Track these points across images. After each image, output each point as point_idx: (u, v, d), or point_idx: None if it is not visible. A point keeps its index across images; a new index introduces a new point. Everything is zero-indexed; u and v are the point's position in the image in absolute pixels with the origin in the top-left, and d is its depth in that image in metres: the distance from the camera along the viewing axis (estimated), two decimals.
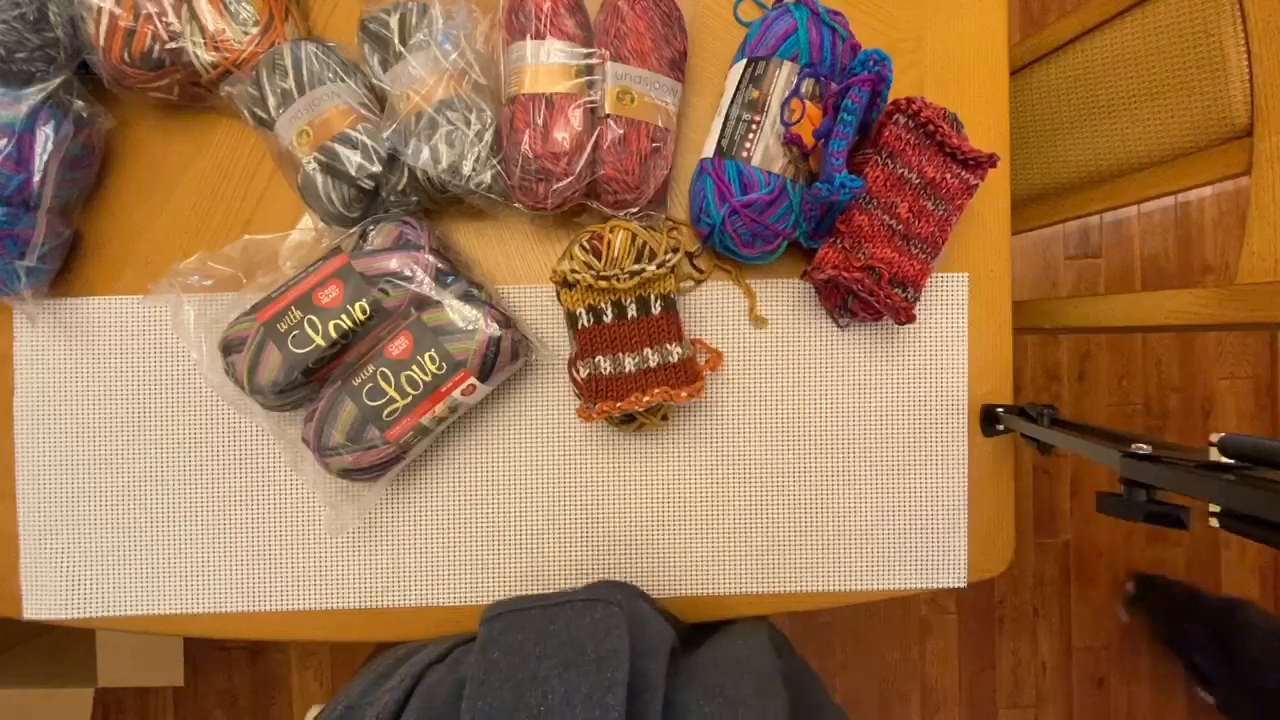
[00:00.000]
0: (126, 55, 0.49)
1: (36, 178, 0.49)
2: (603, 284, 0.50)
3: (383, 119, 0.51)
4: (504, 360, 0.50)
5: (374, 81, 0.52)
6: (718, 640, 0.54)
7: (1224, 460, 0.35)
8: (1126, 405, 1.39)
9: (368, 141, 0.50)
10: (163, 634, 0.58)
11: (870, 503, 0.58)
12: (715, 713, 0.42)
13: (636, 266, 0.50)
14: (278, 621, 0.57)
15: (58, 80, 0.49)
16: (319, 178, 0.50)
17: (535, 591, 0.57)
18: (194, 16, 0.50)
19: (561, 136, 0.48)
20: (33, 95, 0.48)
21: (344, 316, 0.48)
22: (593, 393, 0.52)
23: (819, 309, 0.58)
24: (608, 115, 0.49)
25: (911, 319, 0.53)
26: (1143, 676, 1.39)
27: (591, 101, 0.50)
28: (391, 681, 0.46)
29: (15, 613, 0.56)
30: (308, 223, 0.56)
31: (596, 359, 0.52)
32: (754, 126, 0.50)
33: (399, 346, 0.49)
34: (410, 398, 0.48)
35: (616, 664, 0.40)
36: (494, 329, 0.49)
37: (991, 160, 0.52)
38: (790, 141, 0.50)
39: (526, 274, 0.57)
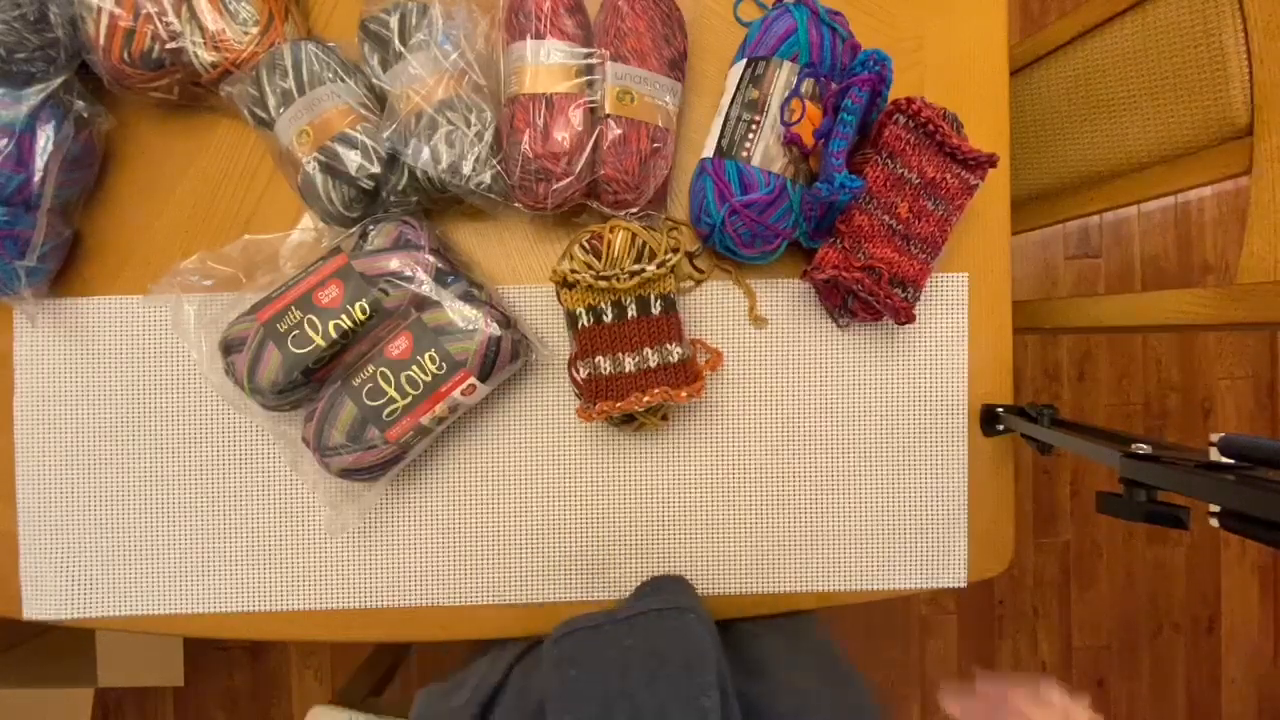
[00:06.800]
0: (126, 55, 0.49)
1: (36, 178, 0.49)
2: (603, 284, 0.50)
3: (383, 119, 0.51)
4: (504, 360, 0.50)
5: (374, 81, 0.52)
6: (764, 634, 0.55)
7: (1224, 460, 0.35)
8: (1126, 405, 1.39)
9: (368, 141, 0.50)
10: (163, 634, 0.58)
11: (870, 503, 0.58)
12: (792, 708, 0.43)
13: (636, 266, 0.50)
14: (278, 621, 0.57)
15: (58, 80, 0.49)
16: (319, 178, 0.50)
17: (535, 591, 0.57)
18: (194, 16, 0.49)
19: (561, 136, 0.48)
20: (33, 95, 0.48)
21: (344, 316, 0.48)
22: (593, 393, 0.52)
23: (819, 309, 0.58)
24: (608, 115, 0.49)
25: (911, 319, 0.53)
26: (1143, 676, 1.39)
27: (591, 101, 0.50)
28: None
29: (15, 613, 0.56)
30: (308, 223, 0.56)
31: (596, 359, 0.52)
32: (754, 126, 0.50)
33: (399, 346, 0.49)
34: (410, 398, 0.48)
35: (704, 667, 0.40)
36: (494, 329, 0.49)
37: (991, 160, 0.52)
38: (790, 141, 0.50)
39: (526, 274, 0.57)
